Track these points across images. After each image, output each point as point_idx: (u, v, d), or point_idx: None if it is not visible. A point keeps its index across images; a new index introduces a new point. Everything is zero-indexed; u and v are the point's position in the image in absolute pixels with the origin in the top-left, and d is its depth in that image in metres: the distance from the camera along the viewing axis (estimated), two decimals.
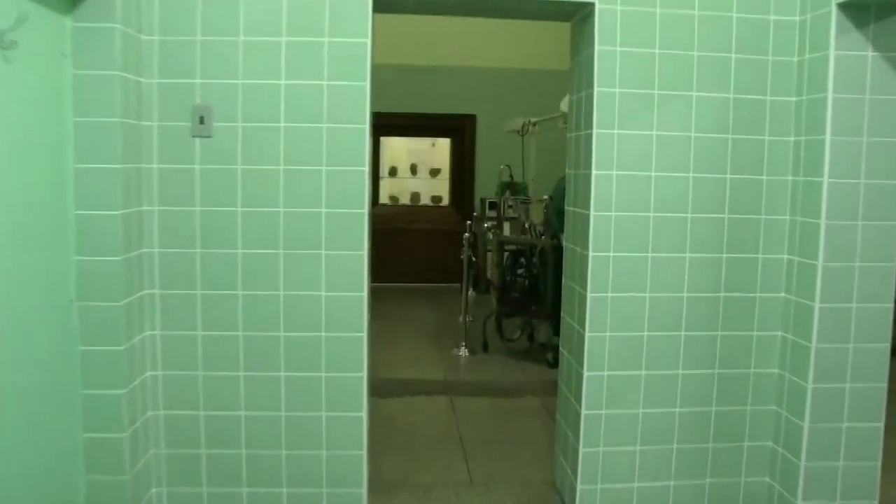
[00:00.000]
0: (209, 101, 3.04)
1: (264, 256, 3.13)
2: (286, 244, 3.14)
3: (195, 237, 3.10)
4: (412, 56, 9.79)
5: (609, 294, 3.23)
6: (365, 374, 3.24)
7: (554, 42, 10.34)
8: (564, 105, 6.54)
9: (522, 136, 7.53)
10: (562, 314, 3.72)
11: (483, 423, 4.86)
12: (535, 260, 6.24)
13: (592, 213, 3.19)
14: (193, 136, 3.05)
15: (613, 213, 3.19)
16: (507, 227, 6.95)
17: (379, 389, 5.45)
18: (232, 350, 3.17)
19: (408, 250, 10.08)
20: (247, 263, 3.13)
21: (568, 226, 3.64)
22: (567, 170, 3.70)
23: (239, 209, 3.10)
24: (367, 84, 3.13)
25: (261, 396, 3.20)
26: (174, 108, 3.03)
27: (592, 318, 3.24)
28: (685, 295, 3.27)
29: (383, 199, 10.43)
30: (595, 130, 3.15)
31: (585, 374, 3.26)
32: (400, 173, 10.59)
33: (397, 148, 13.30)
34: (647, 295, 3.25)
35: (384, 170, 10.49)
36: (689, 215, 3.23)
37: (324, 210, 3.15)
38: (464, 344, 6.56)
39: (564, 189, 6.68)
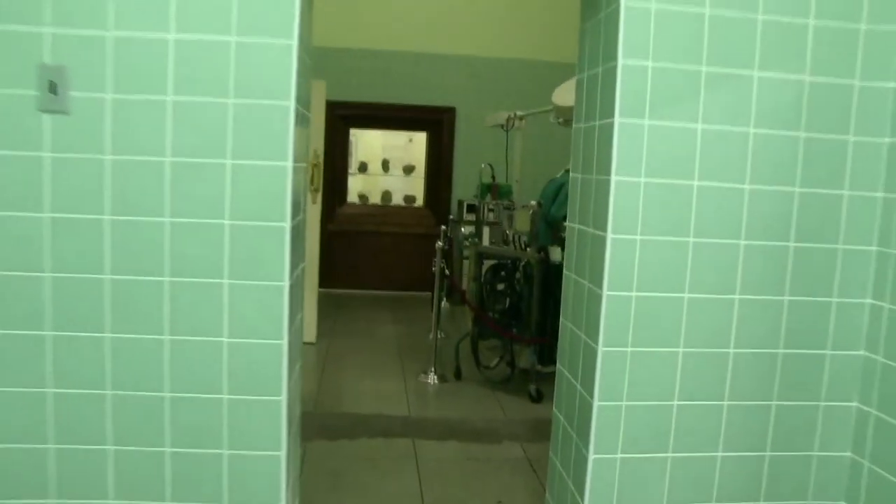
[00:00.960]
0: (64, 61, 2.10)
1: (142, 286, 2.19)
2: (173, 269, 2.20)
3: (42, 255, 2.16)
4: (387, 41, 8.86)
5: (629, 349, 2.33)
6: (284, 453, 2.30)
7: (543, 30, 9.55)
8: (558, 97, 5.64)
9: (507, 131, 6.63)
10: (559, 368, 2.82)
11: (451, 480, 3.95)
12: (518, 276, 5.35)
13: (610, 235, 2.29)
14: (41, 111, 2.11)
15: (639, 237, 2.29)
16: (486, 232, 6.03)
17: (329, 429, 4.52)
18: (96, 416, 2.23)
19: (376, 255, 9.15)
20: (117, 295, 2.19)
21: (570, 249, 2.74)
22: (571, 173, 2.81)
23: (106, 217, 2.16)
24: (295, 43, 2.17)
25: (138, 481, 2.26)
26: (10, 70, 2.09)
27: (604, 380, 2.34)
28: (731, 351, 2.38)
29: (352, 197, 9.48)
30: (617, 120, 2.24)
31: (591, 457, 2.36)
32: (371, 169, 9.65)
33: (372, 142, 12.35)
34: (681, 350, 2.35)
35: (354, 165, 9.53)
36: (742, 242, 2.33)
37: (227, 222, 2.21)
38: (433, 370, 5.64)
39: (555, 194, 5.81)
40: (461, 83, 9.02)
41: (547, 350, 5.29)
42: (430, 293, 7.24)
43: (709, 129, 2.26)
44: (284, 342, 2.23)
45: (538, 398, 5.18)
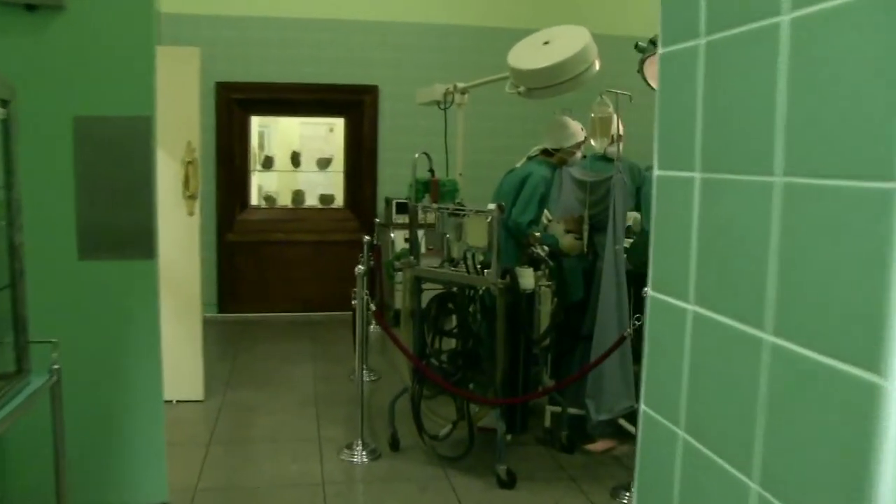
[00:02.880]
0: None
1: None
2: None
3: None
4: (287, 5, 7.18)
5: None
6: None
7: None
8: (517, 58, 4.11)
9: (444, 109, 5.07)
10: None
11: None
12: (473, 309, 3.81)
13: None
14: None
15: None
16: (421, 239, 4.40)
17: None
18: None
19: (287, 269, 7.49)
20: None
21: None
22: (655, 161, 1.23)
23: None
24: None
25: None
26: None
27: None
28: None
29: (255, 199, 7.78)
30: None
31: None
32: (279, 165, 7.97)
33: (287, 133, 10.70)
34: None
35: (256, 160, 7.82)
36: None
37: None
38: (359, 443, 4.05)
39: (516, 191, 4.27)
40: (383, 56, 7.43)
41: (519, 413, 3.77)
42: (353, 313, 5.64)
43: None
44: None
45: (510, 482, 3.66)
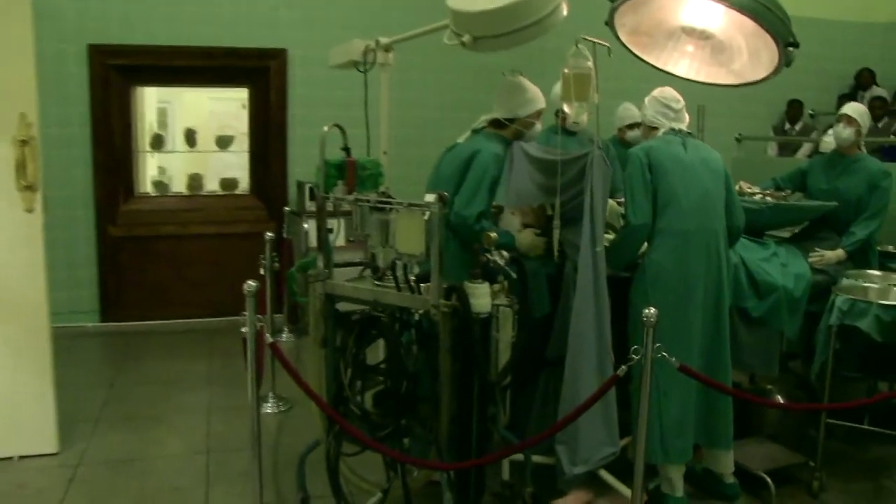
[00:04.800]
0: None
1: None
2: None
3: None
4: None
5: None
6: None
7: None
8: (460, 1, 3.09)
9: (365, 71, 4.02)
10: None
11: None
12: (408, 339, 2.80)
13: None
14: None
15: None
16: (336, 232, 3.28)
17: None
18: None
19: (182, 267, 6.34)
20: None
21: None
22: None
23: None
24: None
25: None
26: None
27: None
28: None
29: (144, 186, 6.56)
30: None
31: None
32: (170, 144, 6.76)
33: (190, 108, 9.43)
34: None
35: (145, 139, 6.60)
36: None
37: None
38: None
39: (461, 173, 3.15)
40: (291, 14, 6.30)
41: (474, 479, 2.78)
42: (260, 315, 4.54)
43: None
44: None
45: None
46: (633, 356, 2.49)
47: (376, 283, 2.83)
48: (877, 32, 8.37)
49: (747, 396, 3.44)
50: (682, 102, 3.33)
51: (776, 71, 3.56)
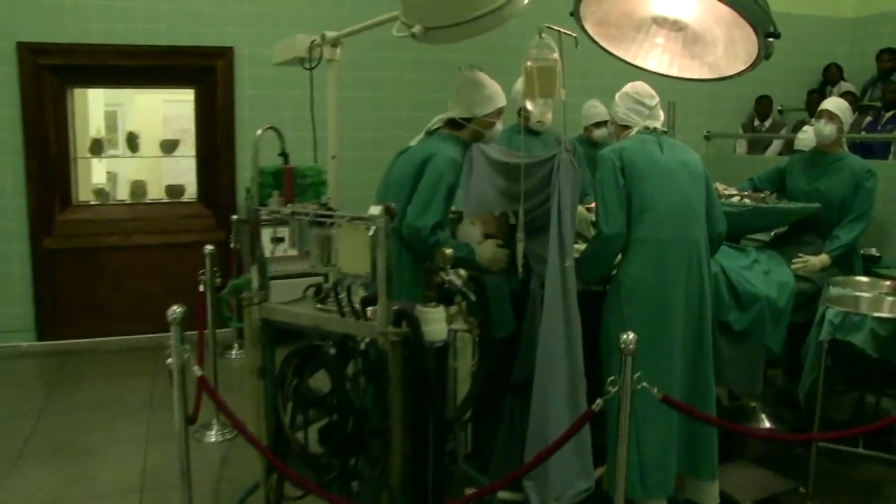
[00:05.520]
0: None
1: None
2: None
3: None
4: None
5: None
6: None
7: None
8: None
9: (311, 69, 3.68)
10: None
11: None
12: (354, 369, 2.46)
13: None
14: None
15: None
16: (275, 244, 2.87)
17: None
18: None
19: (126, 281, 5.93)
20: None
21: None
22: None
23: None
24: None
25: None
26: None
27: None
28: None
29: (83, 194, 6.13)
30: None
31: None
32: (113, 149, 6.35)
33: (144, 112, 9.06)
34: None
35: (82, 144, 6.16)
36: None
37: None
38: None
39: (412, 181, 2.81)
40: (238, 9, 5.92)
41: None
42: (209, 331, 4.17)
43: None
44: None
45: None
46: (610, 388, 2.18)
47: (318, 306, 2.50)
48: (844, 27, 8.20)
49: (736, 428, 3.16)
50: (657, 98, 3.04)
51: (754, 64, 3.30)
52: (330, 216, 2.37)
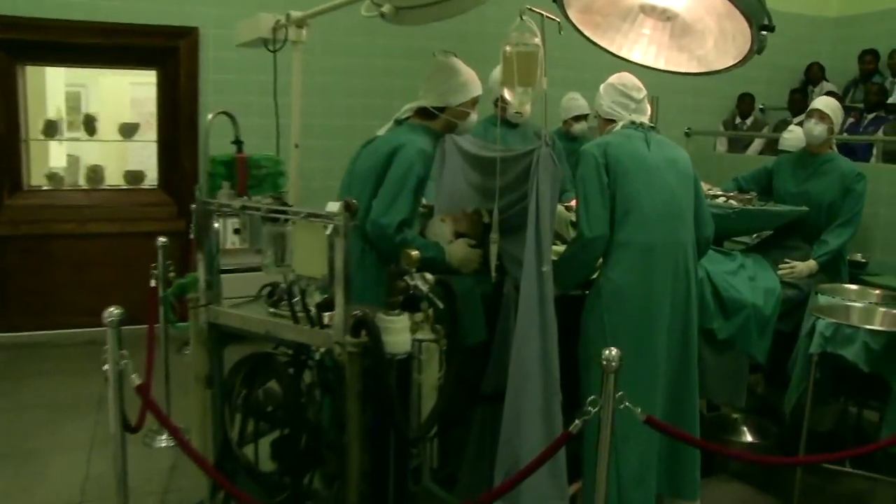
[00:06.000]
0: None
1: None
2: None
3: None
4: None
5: None
6: None
7: None
8: None
9: (275, 51, 3.44)
10: None
11: None
12: (310, 380, 2.24)
13: None
14: None
15: None
16: (230, 235, 2.59)
17: None
18: None
19: (80, 271, 5.64)
20: None
21: None
22: None
23: None
24: None
25: None
26: None
27: None
28: None
29: (35, 178, 5.82)
30: None
31: None
32: (69, 131, 6.04)
33: (110, 94, 8.69)
34: None
35: (35, 125, 5.84)
36: None
37: None
38: None
39: (378, 175, 2.53)
40: None
41: None
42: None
43: None
44: None
45: None
46: (590, 408, 1.98)
47: (271, 309, 2.27)
48: (827, 27, 8.09)
49: (722, 450, 2.97)
50: (644, 92, 2.84)
51: (746, 58, 3.12)
52: (284, 212, 2.14)
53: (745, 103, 7.32)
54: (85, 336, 5.50)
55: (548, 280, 2.43)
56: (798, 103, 7.10)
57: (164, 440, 3.80)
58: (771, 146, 7.08)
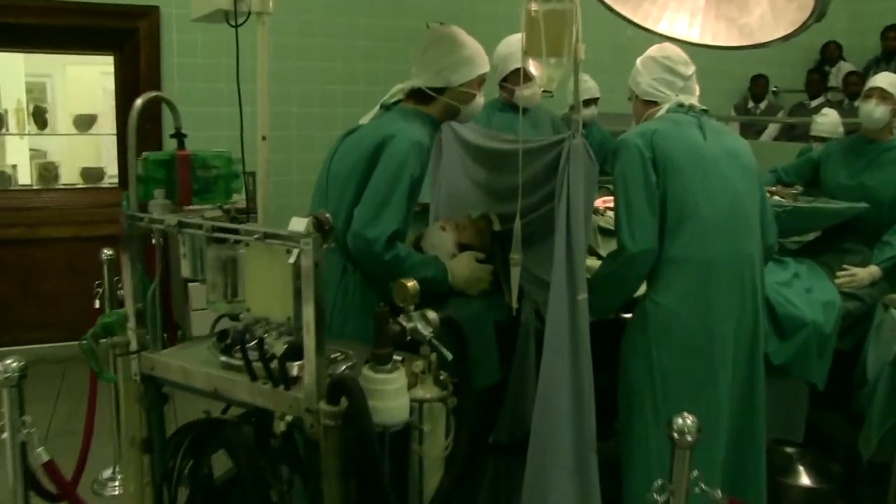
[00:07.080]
0: None
1: None
2: None
3: None
4: None
5: None
6: None
7: None
8: None
9: (236, 26, 2.86)
10: None
11: None
12: (277, 448, 1.68)
13: None
14: None
15: None
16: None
17: None
18: None
19: (30, 280, 5.07)
20: None
21: None
22: None
23: None
24: None
25: None
26: None
27: None
28: None
29: None
30: None
31: None
32: (14, 125, 5.44)
33: (79, 84, 8.15)
34: None
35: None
36: None
37: None
38: None
39: (363, 175, 2.03)
40: None
41: None
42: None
43: None
44: None
45: None
46: (657, 497, 1.43)
47: (223, 358, 1.70)
48: (842, 1, 7.56)
49: None
50: (693, 67, 2.29)
51: (804, 26, 2.58)
52: (234, 230, 1.57)
53: (759, 86, 6.79)
54: (35, 353, 4.92)
55: (582, 311, 1.87)
56: (816, 84, 6.60)
57: (117, 487, 3.23)
58: (785, 131, 6.60)
